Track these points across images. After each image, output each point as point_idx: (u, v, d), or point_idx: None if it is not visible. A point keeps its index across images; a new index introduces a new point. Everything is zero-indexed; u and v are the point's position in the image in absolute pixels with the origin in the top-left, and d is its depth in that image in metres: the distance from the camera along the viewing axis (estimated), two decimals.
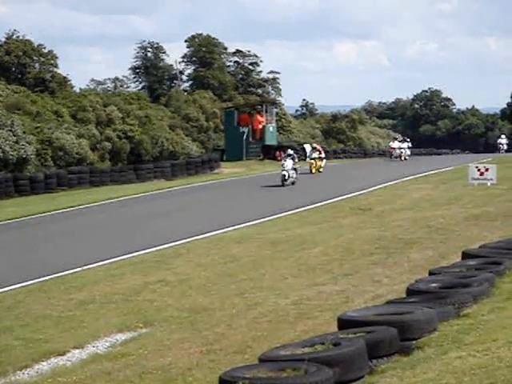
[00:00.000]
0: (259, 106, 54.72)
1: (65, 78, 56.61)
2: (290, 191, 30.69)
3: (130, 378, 10.01)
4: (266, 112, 52.92)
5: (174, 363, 10.45)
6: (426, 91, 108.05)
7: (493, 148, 69.10)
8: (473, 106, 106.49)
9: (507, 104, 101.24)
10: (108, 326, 12.33)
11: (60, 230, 23.42)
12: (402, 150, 48.80)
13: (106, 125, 47.07)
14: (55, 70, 56.29)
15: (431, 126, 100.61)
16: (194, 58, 73.34)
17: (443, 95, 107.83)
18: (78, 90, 57.30)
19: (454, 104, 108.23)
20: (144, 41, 74.48)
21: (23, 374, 10.63)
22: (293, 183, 32.21)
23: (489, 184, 27.15)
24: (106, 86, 69.20)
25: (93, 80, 69.86)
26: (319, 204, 25.49)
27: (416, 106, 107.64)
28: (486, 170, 27.69)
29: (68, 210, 28.29)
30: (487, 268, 11.69)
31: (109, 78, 71.27)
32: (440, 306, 9.70)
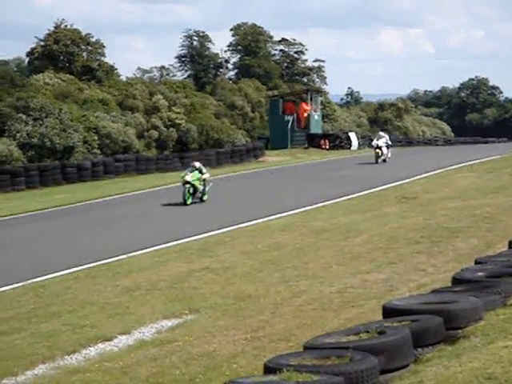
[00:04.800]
0: (304, 95, 54.62)
1: (112, 66, 57.09)
2: (335, 180, 30.60)
3: (176, 364, 10.08)
4: (311, 100, 52.80)
5: (219, 350, 10.51)
6: (473, 79, 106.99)
7: None
8: None
9: None
10: (154, 313, 12.44)
11: (107, 217, 23.64)
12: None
13: (152, 113, 47.37)
14: (102, 58, 56.84)
15: (478, 115, 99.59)
16: (239, 47, 73.40)
17: (490, 83, 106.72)
18: (124, 79, 57.77)
19: (501, 92, 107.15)
20: (190, 29, 74.82)
21: (71, 358, 10.74)
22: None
23: None
24: (152, 74, 69.53)
25: (139, 68, 70.27)
26: (364, 192, 25.41)
27: (462, 94, 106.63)
28: None
29: (115, 197, 28.55)
30: None
31: (155, 67, 71.67)
32: (486, 295, 9.61)
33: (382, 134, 37.98)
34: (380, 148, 36.93)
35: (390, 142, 37.67)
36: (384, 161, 36.79)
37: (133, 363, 10.30)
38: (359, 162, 38.56)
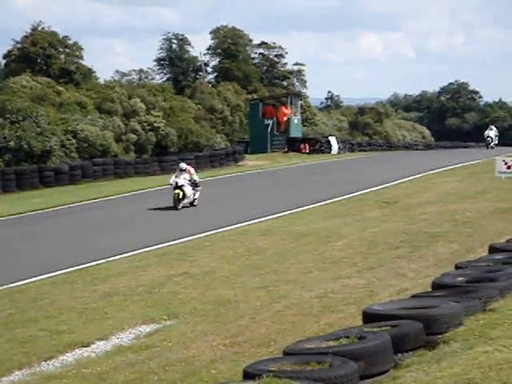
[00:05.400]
0: (284, 98, 54.61)
1: (90, 69, 56.84)
2: (314, 184, 30.61)
3: (154, 370, 10.02)
4: (291, 104, 52.80)
5: (198, 355, 10.46)
6: (453, 84, 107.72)
7: None
8: (500, 99, 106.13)
9: None
10: (132, 318, 12.36)
11: (84, 221, 23.51)
12: None
13: (131, 116, 47.23)
14: (80, 61, 56.52)
15: (458, 119, 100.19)
16: (218, 50, 73.37)
17: (470, 88, 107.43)
18: (102, 82, 57.55)
19: (481, 97, 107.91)
20: (169, 32, 74.64)
21: (48, 364, 10.68)
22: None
23: None
24: (130, 77, 69.34)
25: (117, 71, 70.02)
26: (344, 197, 25.41)
27: (442, 98, 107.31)
28: None
29: (93, 201, 28.40)
30: None
31: (133, 70, 71.42)
32: (466, 301, 9.62)
33: (183, 166, 25.19)
34: (181, 187, 24.49)
35: (197, 179, 25.32)
36: (192, 204, 24.86)
37: (110, 369, 10.24)
38: (150, 206, 25.53)
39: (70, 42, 56.72)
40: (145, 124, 47.43)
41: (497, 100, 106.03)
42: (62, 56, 56.21)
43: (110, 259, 16.95)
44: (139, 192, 30.68)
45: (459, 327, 9.07)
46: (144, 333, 11.71)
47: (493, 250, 12.98)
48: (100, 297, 13.82)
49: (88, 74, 56.21)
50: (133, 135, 46.16)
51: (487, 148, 49.54)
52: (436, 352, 8.55)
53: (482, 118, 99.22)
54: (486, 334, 8.80)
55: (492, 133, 50.89)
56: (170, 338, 11.28)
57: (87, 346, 11.26)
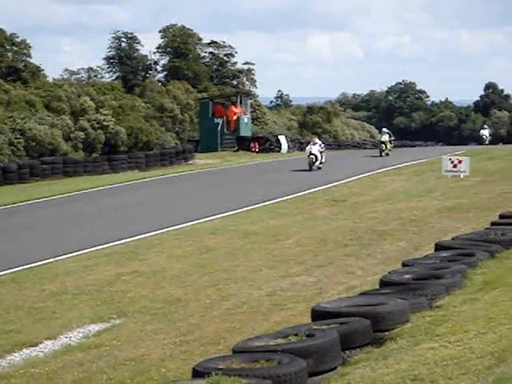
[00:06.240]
0: (234, 97, 54.62)
1: (38, 67, 56.31)
2: (264, 183, 30.66)
3: (103, 369, 9.98)
4: (241, 103, 52.84)
5: (148, 354, 10.45)
6: (401, 83, 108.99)
7: (470, 140, 69.54)
8: (446, 99, 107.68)
9: (480, 96, 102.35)
10: (81, 317, 12.30)
11: (33, 220, 23.29)
12: None
13: (80, 115, 46.90)
14: (28, 59, 55.97)
15: (405, 118, 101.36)
16: (168, 49, 73.19)
17: (417, 87, 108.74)
18: (51, 80, 57.06)
19: (428, 96, 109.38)
20: (118, 31, 74.30)
21: None
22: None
23: (462, 176, 27.31)
24: (79, 76, 68.85)
25: (66, 70, 69.49)
26: (293, 195, 25.51)
27: (390, 98, 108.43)
28: (460, 162, 27.85)
29: (41, 200, 28.14)
30: (460, 260, 11.79)
31: (82, 68, 71.00)
32: (413, 298, 9.76)
33: None
34: None
35: None
36: None
37: (59, 368, 10.17)
38: None
39: (18, 40, 56.14)
40: (94, 122, 47.13)
41: (443, 99, 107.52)
42: (10, 54, 55.58)
43: (58, 258, 16.81)
44: (87, 191, 30.48)
45: (406, 324, 9.19)
46: (93, 332, 11.66)
47: (439, 247, 13.17)
48: (48, 296, 13.71)
49: (36, 72, 55.69)
50: (81, 133, 45.82)
51: (309, 169, 33.63)
52: (383, 349, 8.65)
53: (429, 118, 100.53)
54: (431, 330, 8.92)
55: (315, 149, 34.19)
56: (119, 337, 11.24)
57: (35, 345, 11.18)
